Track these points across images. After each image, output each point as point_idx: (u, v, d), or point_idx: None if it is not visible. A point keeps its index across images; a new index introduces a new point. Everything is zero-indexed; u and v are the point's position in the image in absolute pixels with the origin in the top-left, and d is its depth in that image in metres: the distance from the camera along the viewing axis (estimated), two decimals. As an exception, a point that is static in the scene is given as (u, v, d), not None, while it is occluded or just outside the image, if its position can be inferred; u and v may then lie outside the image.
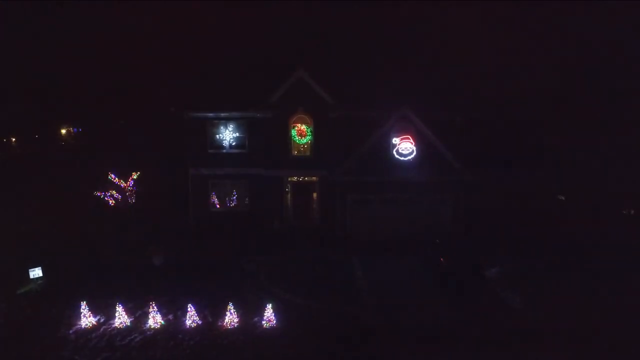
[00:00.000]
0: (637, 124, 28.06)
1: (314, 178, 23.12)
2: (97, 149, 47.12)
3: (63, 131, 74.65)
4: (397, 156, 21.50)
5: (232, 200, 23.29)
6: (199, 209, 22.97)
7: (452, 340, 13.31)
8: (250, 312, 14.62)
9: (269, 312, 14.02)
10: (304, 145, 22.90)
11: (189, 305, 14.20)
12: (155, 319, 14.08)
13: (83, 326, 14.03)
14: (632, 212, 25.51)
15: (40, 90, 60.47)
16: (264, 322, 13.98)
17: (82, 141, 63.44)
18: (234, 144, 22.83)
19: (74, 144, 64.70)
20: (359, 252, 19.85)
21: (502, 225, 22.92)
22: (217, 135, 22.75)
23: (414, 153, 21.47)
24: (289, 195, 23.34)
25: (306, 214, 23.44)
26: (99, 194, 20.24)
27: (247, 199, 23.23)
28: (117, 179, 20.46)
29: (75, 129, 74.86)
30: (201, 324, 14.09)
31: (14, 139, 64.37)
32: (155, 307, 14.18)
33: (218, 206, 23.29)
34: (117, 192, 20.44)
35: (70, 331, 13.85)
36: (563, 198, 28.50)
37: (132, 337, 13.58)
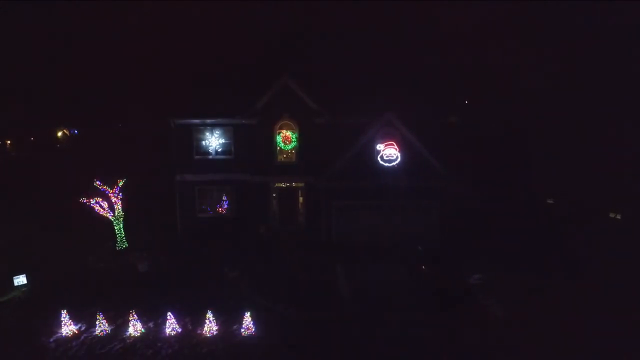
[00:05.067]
0: (626, 129, 28.24)
1: (300, 184, 23.25)
2: (86, 154, 47.21)
3: (59, 134, 74.67)
4: (381, 162, 21.61)
5: (219, 206, 23.41)
6: (186, 215, 23.09)
7: (433, 350, 13.40)
8: (230, 320, 14.77)
9: (248, 320, 14.17)
10: (289, 152, 23.02)
11: (169, 313, 14.35)
12: (135, 327, 14.22)
13: (64, 334, 14.17)
14: (619, 216, 25.64)
15: (36, 92, 60.58)
16: (242, 330, 14.12)
17: (75, 145, 63.52)
18: (220, 150, 22.95)
19: (69, 147, 64.72)
20: (342, 259, 19.98)
21: (487, 231, 23.01)
22: (203, 142, 22.86)
23: (399, 159, 21.57)
24: (274, 201, 23.47)
25: (292, 220, 23.56)
26: (85, 200, 20.27)
27: (233, 205, 23.35)
28: (103, 185, 20.50)
29: (72, 131, 74.84)
30: (181, 331, 14.24)
31: (8, 142, 64.43)
32: (135, 315, 14.32)
33: (204, 212, 23.41)
34: (103, 198, 20.48)
35: (51, 340, 13.98)
36: (552, 202, 28.65)
37: (112, 345, 13.72)
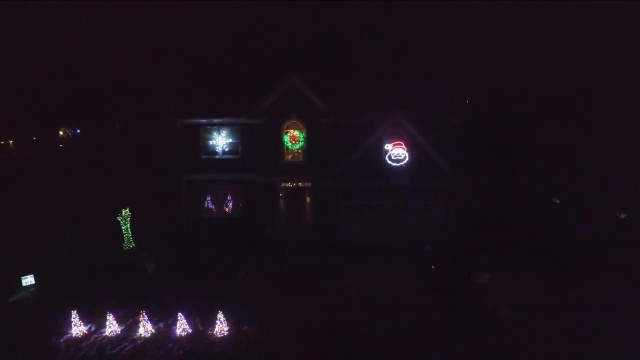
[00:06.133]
0: (633, 127, 28.10)
1: (307, 184, 23.17)
2: (91, 154, 47.09)
3: (61, 133, 74.55)
4: (389, 162, 21.57)
5: (225, 206, 23.34)
6: (192, 215, 23.02)
7: (443, 351, 13.35)
8: (240, 320, 14.71)
9: (259, 321, 14.11)
10: (296, 151, 22.96)
11: (180, 313, 14.29)
12: (145, 328, 14.16)
13: (74, 335, 14.10)
14: (625, 216, 25.53)
15: (37, 91, 60.39)
16: (253, 330, 14.06)
17: (79, 145, 63.39)
18: (226, 150, 22.88)
19: (72, 147, 64.57)
20: (351, 258, 19.88)
21: (495, 231, 22.92)
22: (210, 142, 22.79)
23: (406, 159, 21.53)
24: (282, 201, 23.40)
25: (299, 220, 23.48)
26: (91, 200, 20.23)
27: (240, 205, 23.28)
28: (110, 185, 20.48)
29: (74, 130, 74.72)
30: (191, 332, 14.17)
31: (11, 142, 64.34)
32: (145, 316, 14.25)
33: (211, 212, 23.32)
34: (110, 198, 20.43)
35: (61, 340, 13.93)
36: (558, 201, 28.53)
37: (123, 346, 13.65)
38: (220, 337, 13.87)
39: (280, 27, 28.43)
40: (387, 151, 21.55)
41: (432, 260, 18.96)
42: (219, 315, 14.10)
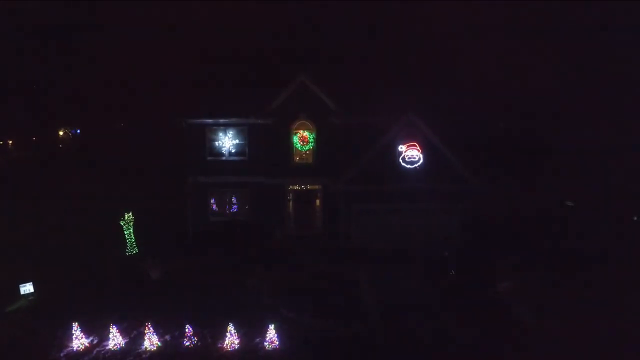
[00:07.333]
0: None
1: (317, 186, 22.42)
2: (94, 154, 46.35)
3: (61, 133, 73.93)
4: (403, 164, 20.81)
5: (233, 209, 22.58)
6: (198, 218, 22.25)
7: (465, 358, 12.79)
8: (251, 332, 13.90)
9: (271, 333, 13.32)
10: (306, 153, 22.18)
11: (187, 325, 13.51)
12: (151, 340, 13.34)
13: (75, 348, 13.28)
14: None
15: (38, 91, 59.84)
16: (266, 343, 13.28)
17: (79, 145, 62.72)
18: (234, 151, 22.12)
19: (73, 147, 63.91)
20: (364, 264, 19.15)
21: (513, 235, 22.25)
22: (217, 143, 22.03)
23: (421, 161, 20.78)
24: (290, 204, 22.66)
25: (309, 223, 22.73)
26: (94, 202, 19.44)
27: (247, 208, 22.51)
28: (113, 187, 19.68)
29: (74, 131, 74.22)
30: (200, 345, 13.37)
31: (10, 142, 63.66)
32: (151, 328, 13.45)
33: (217, 215, 22.54)
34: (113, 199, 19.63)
35: (62, 354, 13.14)
36: (572, 204, 27.82)
37: (127, 360, 12.87)
38: (231, 351, 13.07)
39: (290, 26, 27.72)
40: (400, 153, 20.79)
41: (451, 267, 18.19)
42: (229, 327, 13.30)
